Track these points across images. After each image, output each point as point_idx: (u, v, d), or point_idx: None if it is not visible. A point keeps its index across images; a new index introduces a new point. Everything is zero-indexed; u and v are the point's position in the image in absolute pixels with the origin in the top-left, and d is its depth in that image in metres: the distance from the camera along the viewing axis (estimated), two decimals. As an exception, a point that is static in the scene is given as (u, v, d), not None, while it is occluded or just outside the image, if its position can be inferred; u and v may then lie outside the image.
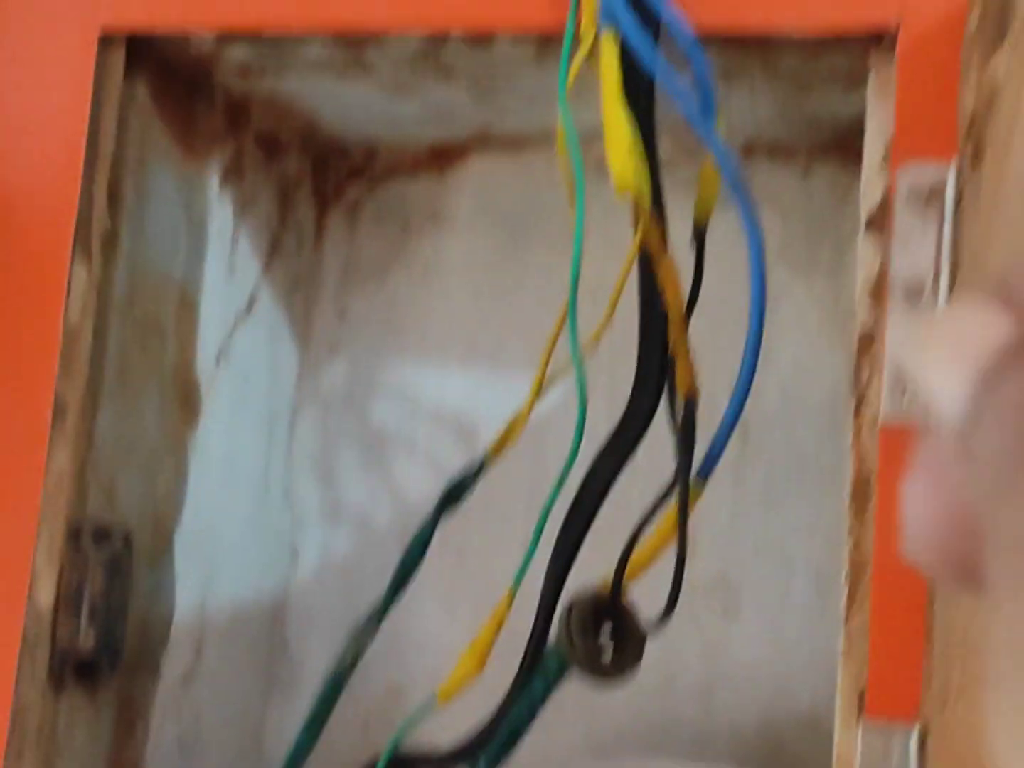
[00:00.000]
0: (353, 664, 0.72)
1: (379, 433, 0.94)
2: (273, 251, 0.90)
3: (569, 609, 0.67)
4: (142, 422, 0.79)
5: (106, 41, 0.74)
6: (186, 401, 0.82)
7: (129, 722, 0.78)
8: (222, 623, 0.86)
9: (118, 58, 0.75)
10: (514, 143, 0.93)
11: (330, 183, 0.96)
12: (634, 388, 0.68)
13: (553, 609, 0.71)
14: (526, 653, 0.73)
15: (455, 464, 0.90)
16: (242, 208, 0.86)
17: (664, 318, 0.68)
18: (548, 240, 0.92)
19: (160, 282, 0.80)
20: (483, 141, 0.94)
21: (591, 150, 0.89)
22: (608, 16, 0.67)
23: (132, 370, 0.77)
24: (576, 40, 0.69)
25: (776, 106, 0.81)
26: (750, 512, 0.88)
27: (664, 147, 0.81)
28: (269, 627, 0.93)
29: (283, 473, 0.93)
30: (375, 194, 0.96)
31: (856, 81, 0.70)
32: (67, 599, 0.72)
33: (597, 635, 0.66)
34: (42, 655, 0.71)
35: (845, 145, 0.87)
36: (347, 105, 0.86)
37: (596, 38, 0.68)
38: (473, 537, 0.91)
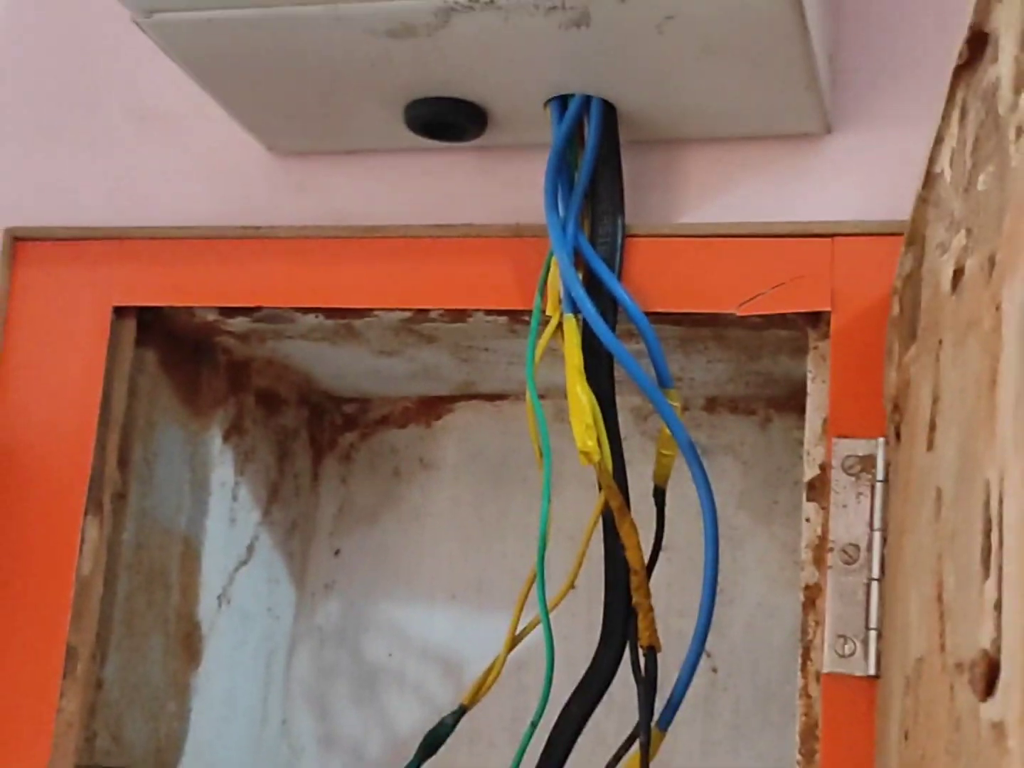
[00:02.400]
0: None
1: (371, 667, 0.99)
2: (272, 498, 0.97)
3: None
4: (147, 666, 0.84)
5: (119, 313, 0.82)
6: (188, 644, 0.88)
7: None
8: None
9: (130, 329, 0.83)
10: (495, 396, 1.01)
11: (325, 432, 1.03)
12: (600, 641, 0.74)
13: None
14: None
15: (443, 697, 0.96)
16: (243, 461, 0.93)
17: (627, 572, 0.74)
18: (529, 484, 0.99)
19: (165, 534, 0.86)
20: (467, 394, 1.01)
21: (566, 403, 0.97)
22: (570, 302, 0.75)
23: (139, 617, 0.83)
24: (543, 320, 0.76)
25: (732, 367, 0.88)
26: (720, 743, 0.93)
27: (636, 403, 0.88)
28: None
29: (280, 705, 0.98)
30: (368, 442, 1.03)
31: (802, 349, 0.77)
32: (73, 839, 0.76)
33: None
34: None
35: (801, 398, 0.94)
36: (340, 365, 0.94)
37: (560, 320, 0.76)
38: (458, 763, 0.96)
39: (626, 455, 0.77)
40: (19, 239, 0.84)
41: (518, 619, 0.75)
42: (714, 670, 0.94)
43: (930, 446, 0.51)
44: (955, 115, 0.51)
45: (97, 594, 0.79)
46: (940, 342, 0.50)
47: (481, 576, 0.99)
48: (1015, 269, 0.37)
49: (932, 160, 0.56)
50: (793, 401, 0.95)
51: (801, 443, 0.94)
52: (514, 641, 0.76)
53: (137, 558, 0.83)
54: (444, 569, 1.00)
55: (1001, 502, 0.36)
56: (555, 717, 0.73)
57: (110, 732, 0.81)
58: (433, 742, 0.77)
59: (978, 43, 0.46)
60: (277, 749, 0.98)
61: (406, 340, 0.86)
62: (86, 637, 0.78)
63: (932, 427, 0.51)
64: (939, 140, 0.54)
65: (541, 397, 0.99)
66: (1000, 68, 0.42)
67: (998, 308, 0.38)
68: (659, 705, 0.71)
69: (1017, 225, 0.38)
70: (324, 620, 1.01)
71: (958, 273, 0.48)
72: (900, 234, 0.66)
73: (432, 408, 1.02)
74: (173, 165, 0.86)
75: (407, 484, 1.02)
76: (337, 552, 1.02)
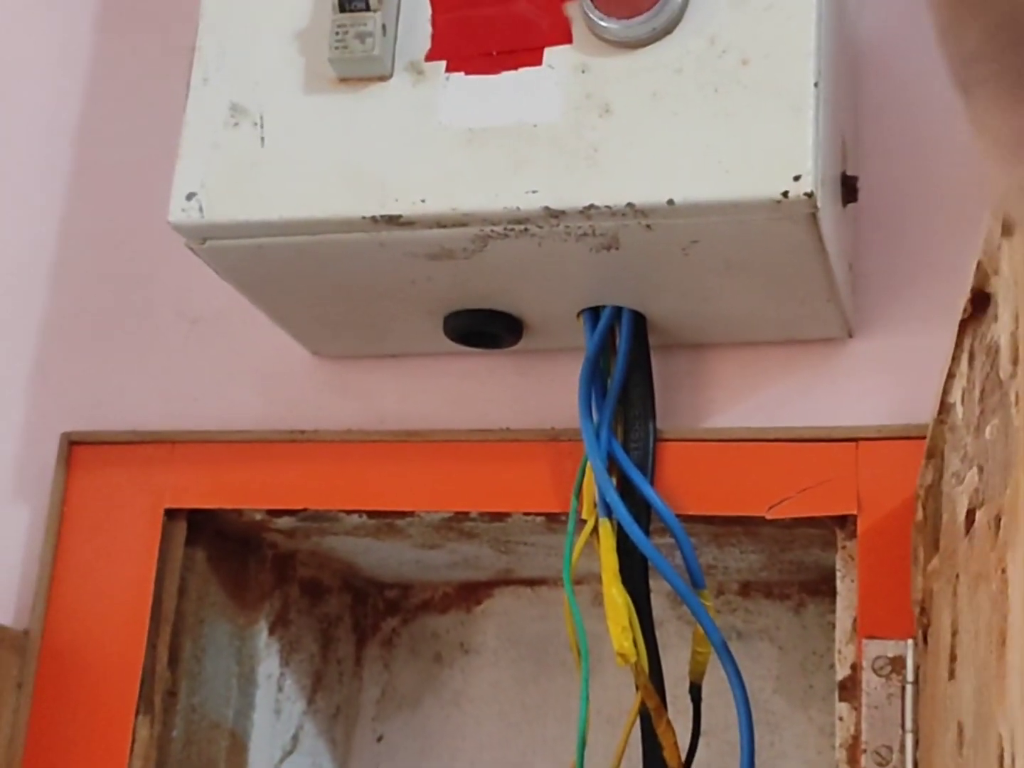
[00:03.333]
0: None
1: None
2: (316, 686, 0.99)
3: None
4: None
5: (171, 515, 0.85)
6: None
7: None
8: None
9: (180, 529, 0.86)
10: (534, 581, 1.03)
11: (368, 618, 1.05)
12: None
13: None
14: None
15: None
16: (288, 652, 0.96)
17: (664, 768, 0.76)
18: (568, 667, 1.00)
19: (214, 728, 0.88)
20: (507, 579, 1.03)
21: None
22: (604, 506, 0.78)
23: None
24: (579, 523, 0.79)
25: (765, 557, 0.90)
26: None
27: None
28: None
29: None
30: (409, 627, 1.05)
31: (832, 543, 0.80)
32: None
33: None
34: None
35: (833, 583, 0.96)
36: (383, 556, 0.96)
37: (596, 523, 0.78)
38: None
39: (662, 640, 0.79)
40: (75, 443, 0.88)
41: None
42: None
43: (952, 675, 0.53)
44: (964, 358, 0.54)
45: (148, 790, 0.82)
46: (957, 576, 0.53)
47: (522, 761, 1.00)
48: (1017, 539, 0.39)
49: (945, 391, 0.58)
50: (825, 586, 0.97)
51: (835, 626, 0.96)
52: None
53: (186, 754, 0.85)
54: (486, 754, 1.01)
55: (1014, 760, 0.38)
56: None
57: None
58: None
59: (980, 301, 0.49)
60: None
61: (447, 536, 0.89)
62: (134, 833, 0.80)
63: (952, 658, 0.53)
64: (951, 375, 0.57)
65: (578, 583, 1.01)
66: (999, 333, 0.45)
67: (1003, 571, 0.40)
68: None
69: (1018, 492, 0.40)
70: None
71: (970, 514, 0.50)
72: (922, 438, 0.68)
73: (472, 593, 1.04)
74: (222, 369, 0.90)
75: (448, 668, 1.04)
76: (380, 738, 1.04)
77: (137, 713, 0.82)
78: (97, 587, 0.85)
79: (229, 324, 0.91)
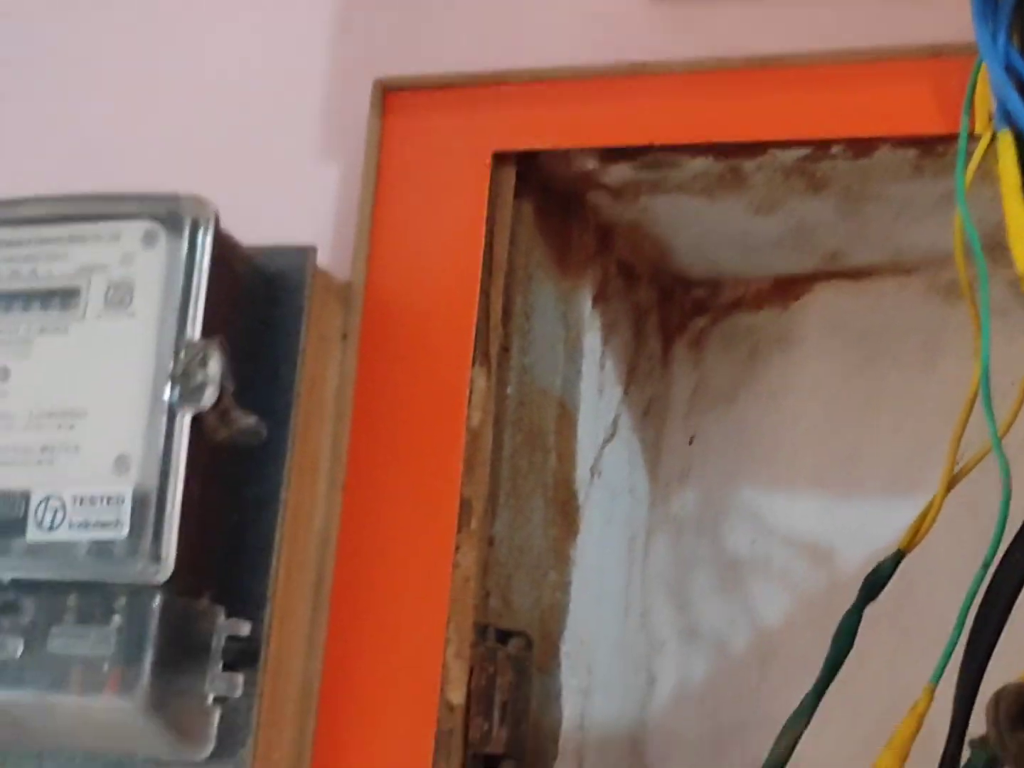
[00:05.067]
0: (784, 761, 0.71)
1: (732, 556, 0.94)
2: (630, 378, 0.92)
3: (996, 701, 0.64)
4: (530, 530, 0.80)
5: (499, 160, 0.78)
6: (565, 513, 0.84)
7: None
8: (597, 740, 0.86)
9: (509, 176, 0.79)
10: (861, 272, 0.94)
11: (675, 317, 0.98)
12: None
13: (972, 703, 0.70)
14: (945, 753, 0.71)
15: (812, 585, 0.90)
16: (608, 331, 0.89)
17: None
18: (901, 364, 0.93)
19: (543, 394, 0.82)
20: (829, 271, 0.95)
21: (941, 272, 0.91)
22: (1004, 116, 0.69)
23: (522, 478, 0.80)
24: (971, 139, 0.70)
25: None
26: None
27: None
28: (630, 751, 0.92)
29: (640, 596, 0.94)
30: (720, 326, 0.98)
31: None
32: (478, 697, 0.72)
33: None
34: (456, 754, 0.71)
35: None
36: (706, 231, 0.89)
37: (992, 137, 0.70)
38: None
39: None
40: (389, 89, 0.81)
41: (955, 454, 0.69)
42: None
43: None
44: None
45: (487, 447, 0.76)
46: None
47: (851, 455, 0.93)
48: None
49: None
50: None
51: None
52: (952, 480, 0.70)
53: (518, 416, 0.79)
54: (808, 451, 0.94)
55: None
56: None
57: (501, 594, 0.77)
58: (872, 587, 0.71)
59: None
60: (636, 642, 0.93)
61: (793, 187, 0.81)
62: (479, 490, 0.75)
63: None
64: None
65: (909, 272, 0.93)
66: None
67: None
68: None
69: None
70: (680, 509, 0.96)
71: None
72: None
73: (789, 289, 0.97)
74: (546, 4, 0.82)
75: (764, 363, 0.96)
76: (691, 440, 0.97)
77: (473, 363, 0.76)
78: (421, 236, 0.79)
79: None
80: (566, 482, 0.84)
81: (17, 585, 0.68)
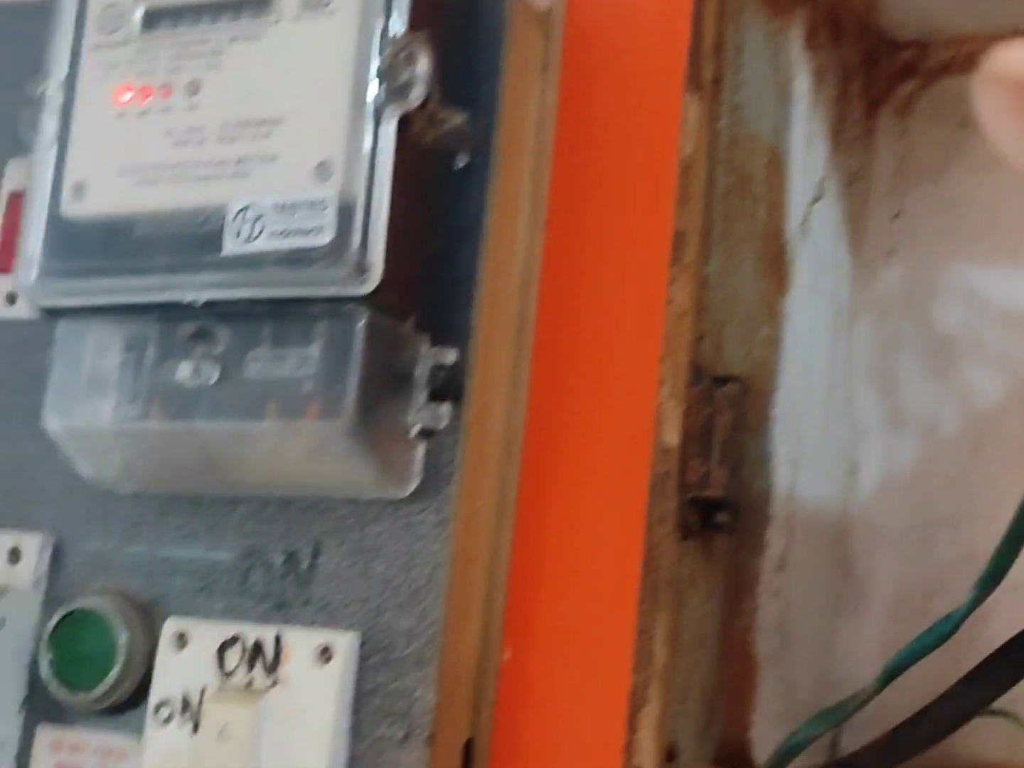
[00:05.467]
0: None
1: (942, 337, 0.88)
2: (836, 137, 0.86)
3: None
4: (741, 279, 0.75)
5: None
6: (775, 266, 0.78)
7: (737, 594, 0.73)
8: (806, 518, 0.81)
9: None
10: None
11: (880, 81, 0.91)
12: None
13: None
14: None
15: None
16: (817, 80, 0.83)
17: None
18: None
19: (753, 138, 0.76)
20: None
21: None
22: None
23: (733, 222, 0.74)
24: None
25: None
26: None
27: None
28: (832, 541, 0.86)
29: (842, 379, 0.88)
30: (927, 92, 0.91)
31: None
32: (695, 438, 0.67)
33: None
34: (672, 493, 0.66)
35: None
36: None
37: None
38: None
39: None
40: None
41: None
42: None
43: None
44: None
45: (700, 179, 0.70)
46: None
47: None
48: None
49: None
50: None
51: None
52: None
53: (729, 155, 0.73)
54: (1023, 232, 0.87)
55: None
56: None
57: (714, 340, 0.71)
58: None
59: None
60: (839, 429, 0.87)
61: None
62: (693, 223, 0.69)
63: None
64: None
65: None
66: None
67: None
68: None
69: None
70: (885, 289, 0.90)
71: None
72: None
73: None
74: None
75: (975, 133, 0.89)
76: (897, 215, 0.90)
77: (686, 90, 0.70)
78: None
79: None
80: (776, 234, 0.78)
81: (212, 309, 0.64)
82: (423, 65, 0.62)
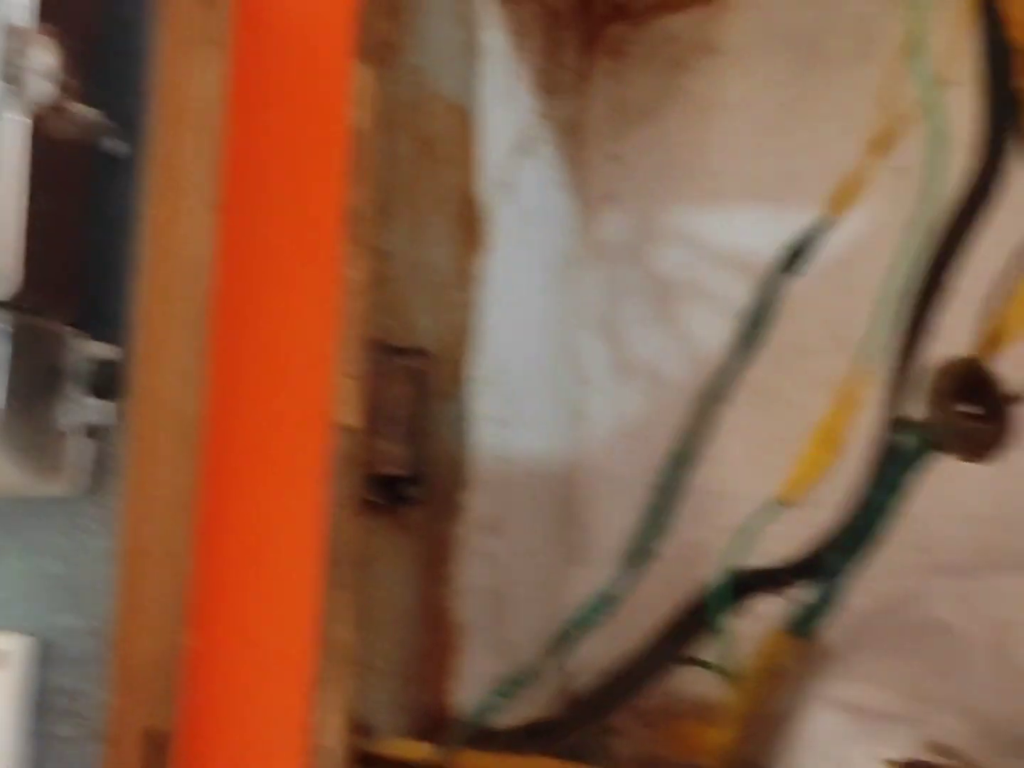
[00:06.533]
0: (695, 443, 0.66)
1: (663, 282, 0.88)
2: (544, 91, 0.85)
3: (930, 377, 0.59)
4: (429, 246, 0.74)
5: None
6: (469, 228, 0.77)
7: (437, 562, 0.73)
8: (520, 475, 0.81)
9: None
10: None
11: (594, 23, 0.90)
12: (984, 139, 0.61)
13: (906, 380, 0.65)
14: (879, 439, 0.66)
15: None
16: (518, 36, 0.82)
17: (1007, 55, 0.61)
18: (843, 65, 0.85)
19: (438, 100, 0.75)
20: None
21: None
22: None
23: (419, 189, 0.73)
24: None
25: None
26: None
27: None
28: (560, 493, 0.87)
29: (566, 329, 0.88)
30: (640, 32, 0.90)
31: None
32: (376, 417, 0.67)
33: (962, 403, 0.59)
34: (353, 473, 0.66)
35: None
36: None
37: None
38: (777, 380, 0.84)
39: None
40: None
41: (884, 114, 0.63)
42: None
43: None
44: None
45: (377, 147, 0.69)
46: None
47: (786, 168, 0.86)
48: None
49: None
50: None
51: None
52: (881, 141, 0.64)
53: (412, 120, 0.72)
54: (740, 166, 0.87)
55: None
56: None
57: (397, 312, 0.71)
58: (795, 257, 0.66)
59: None
60: (565, 380, 0.88)
61: None
62: (368, 195, 0.68)
63: None
64: None
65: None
66: None
67: None
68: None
69: None
70: (607, 234, 0.90)
71: None
72: None
73: (715, -16, 0.88)
74: None
75: (691, 75, 0.89)
76: (616, 159, 0.90)
77: (356, 57, 0.68)
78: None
79: None
80: (467, 195, 0.77)
81: None
82: (50, 58, 0.60)
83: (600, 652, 0.72)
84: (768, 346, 0.84)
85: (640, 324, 0.88)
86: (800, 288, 0.84)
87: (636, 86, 0.90)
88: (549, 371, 0.86)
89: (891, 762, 0.56)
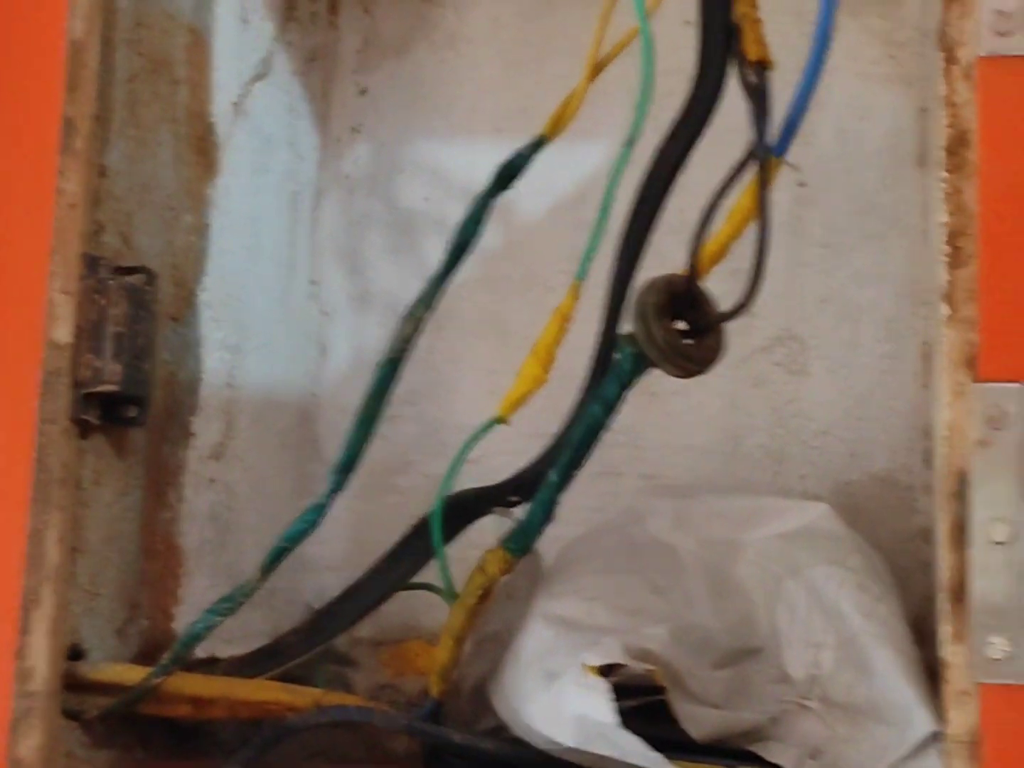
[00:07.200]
0: (405, 349, 0.66)
1: (407, 214, 0.88)
2: (287, 17, 0.84)
3: (643, 293, 0.59)
4: (156, 166, 0.72)
5: None
6: (202, 151, 0.76)
7: (161, 487, 0.72)
8: (253, 404, 0.80)
9: None
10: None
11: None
12: (699, 65, 0.62)
13: (623, 299, 0.66)
14: (597, 352, 0.67)
15: (490, 241, 0.84)
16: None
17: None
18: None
19: (168, 18, 0.73)
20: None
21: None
22: None
23: (144, 108, 0.71)
24: None
25: None
26: (811, 263, 0.83)
27: None
28: (299, 424, 0.86)
29: (307, 260, 0.87)
30: (390, -25, 0.90)
31: None
32: (87, 333, 0.65)
33: (674, 320, 0.59)
34: (64, 390, 0.64)
35: None
36: None
37: None
38: (514, 314, 0.85)
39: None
40: None
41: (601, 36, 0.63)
42: (801, 184, 0.83)
43: None
44: None
45: (94, 63, 0.67)
46: None
47: (529, 104, 0.86)
48: None
49: None
50: None
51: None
52: (598, 66, 0.64)
53: (137, 37, 0.71)
54: (486, 100, 0.88)
55: None
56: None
57: (119, 231, 0.69)
58: (508, 174, 0.66)
59: None
60: (306, 312, 0.87)
61: None
62: (84, 110, 0.66)
63: None
64: None
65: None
66: None
67: None
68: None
69: None
70: (352, 167, 0.89)
71: None
72: None
73: None
74: None
75: (439, 7, 0.89)
76: (364, 91, 0.89)
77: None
78: None
79: None
80: (200, 117, 0.76)
81: None
82: None
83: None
84: (507, 281, 0.85)
85: (382, 256, 0.88)
86: (536, 224, 0.85)
87: (385, 20, 0.90)
88: (288, 301, 0.85)
89: (589, 666, 0.57)
